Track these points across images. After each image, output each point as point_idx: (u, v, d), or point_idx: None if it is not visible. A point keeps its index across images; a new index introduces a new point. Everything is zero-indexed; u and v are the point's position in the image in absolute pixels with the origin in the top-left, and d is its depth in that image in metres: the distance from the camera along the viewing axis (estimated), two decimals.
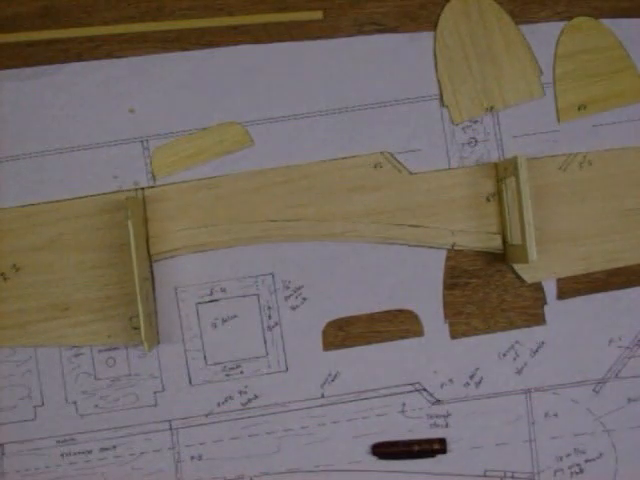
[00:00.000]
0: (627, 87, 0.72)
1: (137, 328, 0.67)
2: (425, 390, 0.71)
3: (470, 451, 0.71)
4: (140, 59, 0.71)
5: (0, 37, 0.71)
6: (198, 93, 0.71)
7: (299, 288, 0.71)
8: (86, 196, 0.71)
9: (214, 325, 0.71)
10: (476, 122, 0.72)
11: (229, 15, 0.72)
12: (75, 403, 0.70)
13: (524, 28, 0.72)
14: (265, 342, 0.71)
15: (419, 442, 0.71)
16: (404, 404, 0.71)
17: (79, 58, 0.71)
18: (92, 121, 0.71)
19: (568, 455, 0.71)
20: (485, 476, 0.71)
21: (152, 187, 0.71)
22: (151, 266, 0.70)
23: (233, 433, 0.71)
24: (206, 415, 0.71)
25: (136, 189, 0.71)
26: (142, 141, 0.71)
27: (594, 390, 0.71)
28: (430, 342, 0.71)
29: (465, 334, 0.72)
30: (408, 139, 0.72)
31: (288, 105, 0.71)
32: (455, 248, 0.71)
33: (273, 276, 0.71)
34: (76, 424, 0.70)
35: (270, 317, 0.71)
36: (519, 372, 0.71)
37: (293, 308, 0.71)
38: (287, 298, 0.71)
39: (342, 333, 0.71)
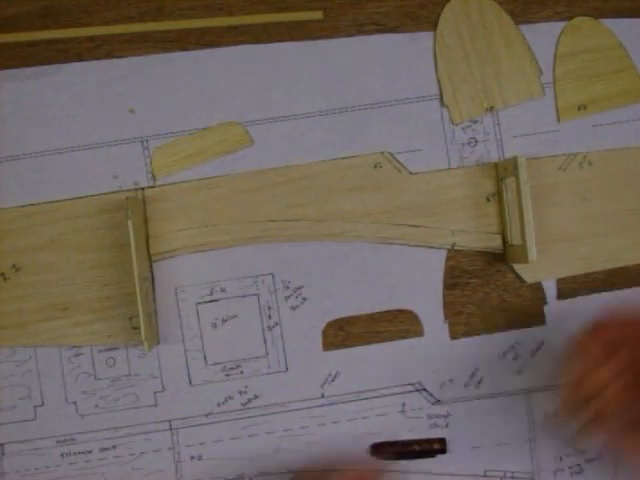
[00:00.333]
0: (627, 87, 0.72)
1: (137, 328, 0.67)
2: (425, 390, 0.71)
3: (470, 451, 0.71)
4: (140, 59, 0.71)
5: (0, 37, 0.71)
6: (198, 93, 0.71)
7: (299, 288, 0.71)
8: (86, 196, 0.71)
9: (214, 325, 0.71)
10: (476, 122, 0.72)
11: (229, 15, 0.72)
12: (75, 403, 0.70)
13: (524, 28, 0.72)
14: (265, 342, 0.71)
15: (419, 442, 0.71)
16: (404, 404, 0.71)
17: (79, 58, 0.71)
18: (92, 121, 0.71)
19: (568, 455, 0.71)
20: (485, 476, 0.71)
21: (152, 187, 0.71)
22: (151, 266, 0.70)
23: (233, 433, 0.71)
24: (206, 415, 0.71)
25: (136, 189, 0.71)
26: (142, 141, 0.71)
27: None
28: (430, 342, 0.71)
29: (465, 334, 0.72)
30: (408, 139, 0.72)
31: (288, 105, 0.71)
32: (455, 248, 0.71)
33: (273, 276, 0.71)
34: (76, 424, 0.70)
35: (270, 317, 0.71)
36: (519, 372, 0.71)
37: (293, 308, 0.71)
38: (287, 298, 0.71)
39: (342, 333, 0.71)
